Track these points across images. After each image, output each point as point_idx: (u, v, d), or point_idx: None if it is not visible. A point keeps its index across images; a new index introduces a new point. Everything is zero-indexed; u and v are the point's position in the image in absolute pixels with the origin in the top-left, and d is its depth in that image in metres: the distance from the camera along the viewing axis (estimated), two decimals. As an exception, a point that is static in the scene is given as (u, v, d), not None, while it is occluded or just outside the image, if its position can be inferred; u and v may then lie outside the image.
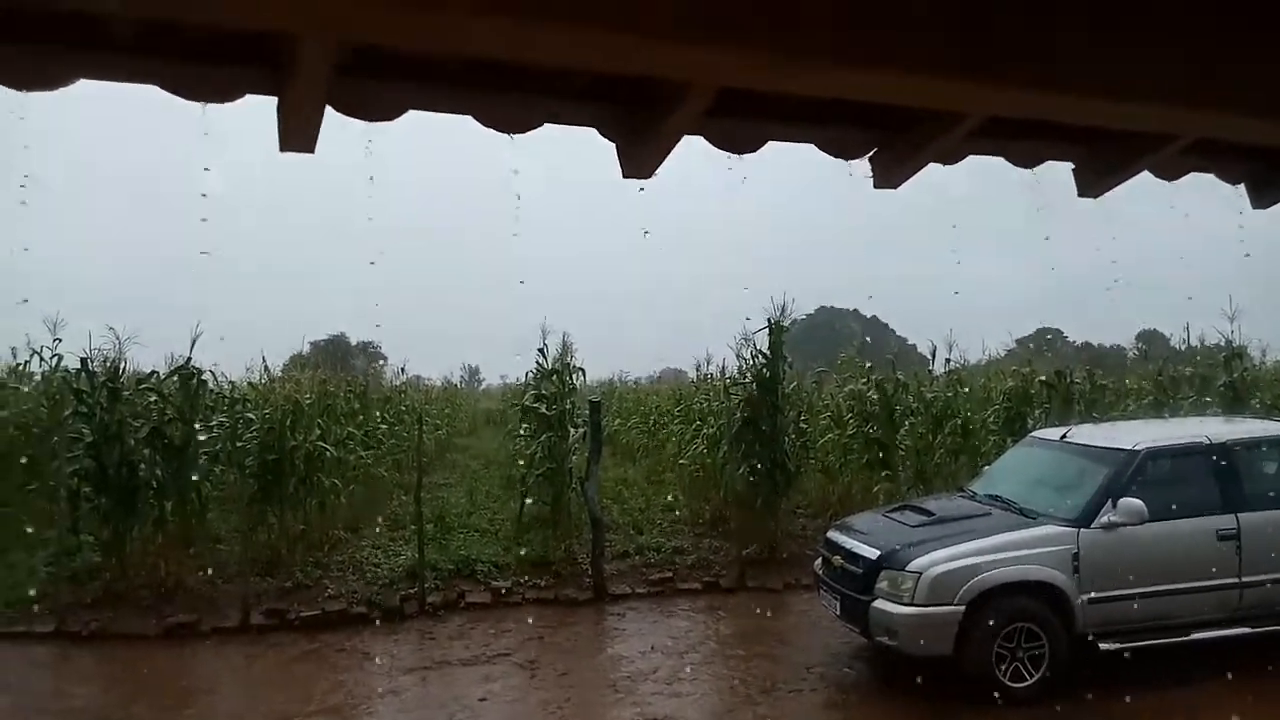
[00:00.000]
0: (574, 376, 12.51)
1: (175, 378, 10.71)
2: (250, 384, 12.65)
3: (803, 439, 12.81)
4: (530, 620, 9.16)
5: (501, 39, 1.34)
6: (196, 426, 10.56)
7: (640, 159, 1.82)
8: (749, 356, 12.03)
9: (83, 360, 10.02)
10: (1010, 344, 21.02)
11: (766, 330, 11.80)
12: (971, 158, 2.00)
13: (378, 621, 9.07)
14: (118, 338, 10.13)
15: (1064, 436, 8.20)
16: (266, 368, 13.17)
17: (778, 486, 11.54)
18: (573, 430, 11.69)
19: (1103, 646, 6.80)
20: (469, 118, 1.68)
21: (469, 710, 7.03)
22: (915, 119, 1.87)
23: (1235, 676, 6.77)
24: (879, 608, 6.88)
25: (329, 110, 1.58)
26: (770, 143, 1.88)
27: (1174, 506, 7.04)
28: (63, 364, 11.10)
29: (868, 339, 22.26)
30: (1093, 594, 6.79)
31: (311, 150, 1.67)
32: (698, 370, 18.40)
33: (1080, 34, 1.53)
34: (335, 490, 12.05)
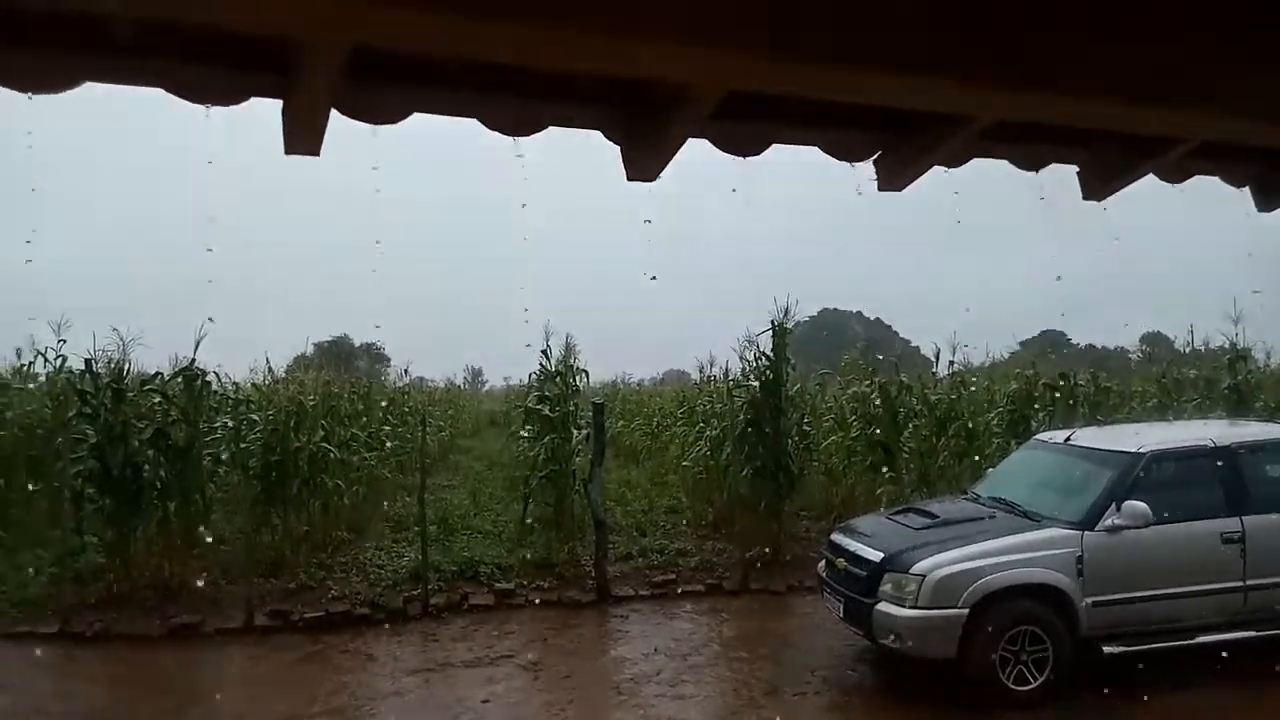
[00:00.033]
0: (577, 378, 12.50)
1: (179, 379, 10.72)
2: (254, 385, 12.66)
3: (806, 441, 12.80)
4: (533, 622, 9.16)
5: (506, 42, 1.35)
6: (200, 428, 10.58)
7: (645, 161, 1.82)
8: (753, 358, 12.02)
9: (87, 361, 10.04)
10: (1014, 346, 21.01)
11: (770, 332, 11.80)
12: (976, 160, 2.00)
13: (381, 623, 9.08)
14: (122, 339, 10.15)
15: (1068, 439, 8.19)
16: (270, 369, 13.21)
17: (781, 489, 11.53)
18: (576, 432, 11.69)
19: (1107, 650, 6.79)
20: (474, 120, 1.68)
21: (472, 712, 7.03)
22: (920, 122, 1.87)
23: (1240, 680, 6.76)
24: (882, 610, 6.87)
25: (334, 113, 1.59)
26: (775, 145, 1.88)
27: (1178, 510, 7.03)
28: (67, 365, 11.10)
29: (871, 341, 22.24)
30: (1097, 597, 6.77)
31: (317, 153, 1.67)
32: (701, 372, 18.39)
33: (1084, 36, 1.53)
34: (339, 492, 12.07)
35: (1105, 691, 6.77)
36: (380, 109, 1.63)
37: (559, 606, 9.63)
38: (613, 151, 1.87)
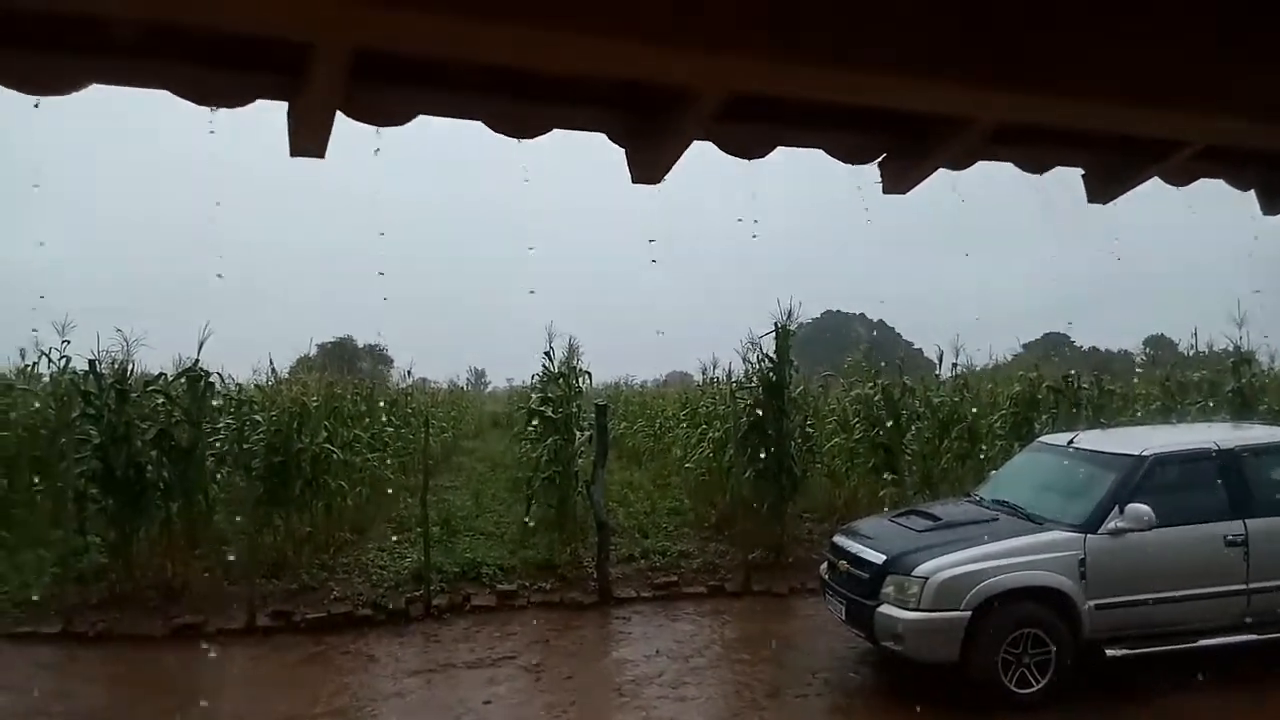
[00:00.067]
0: (580, 380, 12.52)
1: (183, 380, 10.75)
2: (257, 386, 12.68)
3: (809, 443, 12.81)
4: (535, 623, 9.16)
5: (508, 44, 1.35)
6: (204, 428, 10.59)
7: (649, 164, 1.82)
8: (755, 360, 12.03)
9: (91, 362, 10.07)
10: (1017, 349, 21.01)
11: (773, 334, 11.80)
12: (981, 163, 2.00)
13: (383, 624, 9.09)
14: (126, 339, 10.18)
15: (1071, 442, 8.18)
16: (274, 370, 13.24)
17: (784, 490, 11.53)
18: (579, 433, 11.70)
19: (1109, 653, 6.78)
20: (478, 123, 1.68)
21: (474, 713, 7.03)
22: (924, 124, 1.87)
23: (1242, 683, 6.76)
24: (885, 613, 6.87)
25: (339, 115, 1.59)
26: (779, 148, 1.88)
27: (1181, 512, 7.03)
28: (71, 365, 11.12)
29: (874, 343, 22.21)
30: (1099, 600, 6.77)
31: (322, 155, 1.67)
32: (704, 374, 18.41)
33: (1084, 36, 1.52)
34: (341, 492, 12.08)
35: (1108, 694, 6.76)
36: (385, 111, 1.63)
37: (561, 608, 9.63)
38: (616, 151, 1.87)
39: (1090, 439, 8.25)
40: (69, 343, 11.22)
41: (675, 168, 1.83)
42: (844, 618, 7.50)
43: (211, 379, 11.01)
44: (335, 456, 11.87)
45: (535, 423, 12.75)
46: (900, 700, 7.07)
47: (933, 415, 13.04)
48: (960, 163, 1.98)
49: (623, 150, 1.84)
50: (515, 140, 1.74)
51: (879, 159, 1.99)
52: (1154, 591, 6.83)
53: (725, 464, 13.19)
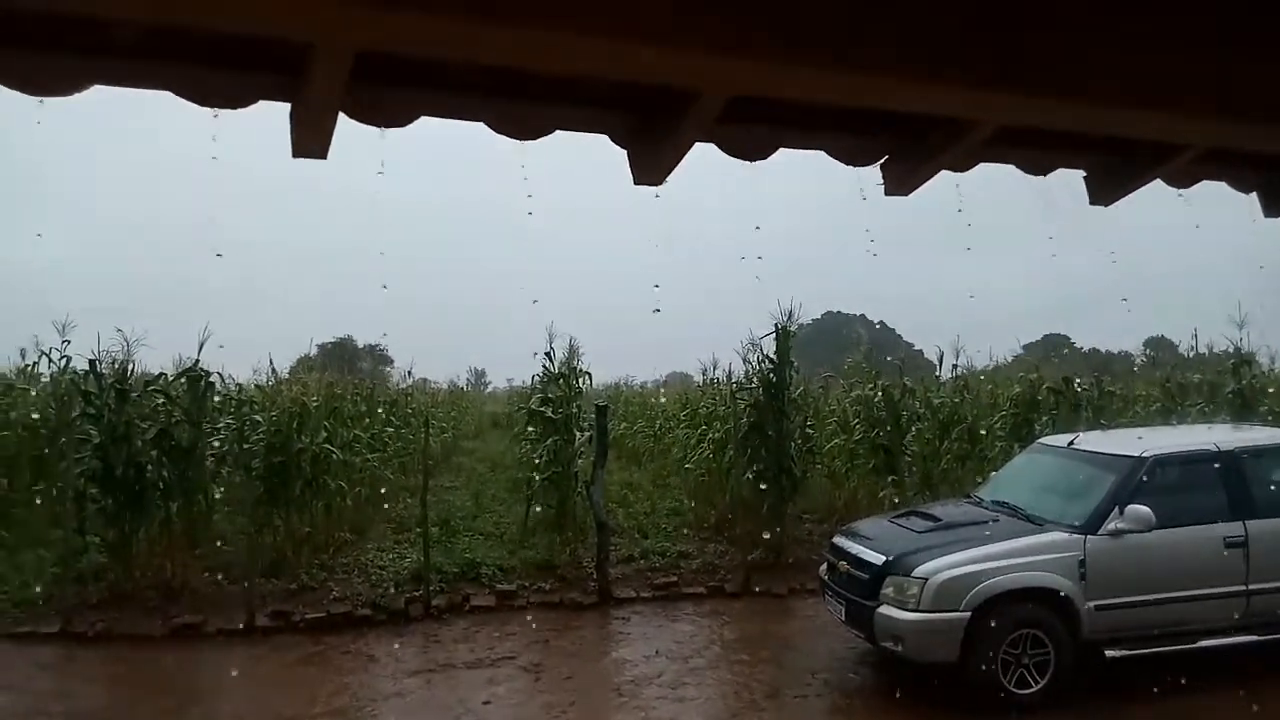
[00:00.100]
0: (580, 380, 12.53)
1: (183, 380, 10.75)
2: (257, 386, 12.68)
3: (809, 444, 12.80)
4: (535, 624, 9.16)
5: (510, 46, 1.35)
6: (204, 428, 10.59)
7: (651, 166, 1.82)
8: (755, 361, 12.03)
9: (91, 362, 10.07)
10: (1018, 350, 21.03)
11: (773, 335, 11.80)
12: (983, 165, 2.00)
13: (383, 624, 9.09)
14: (126, 340, 10.18)
15: (1071, 443, 8.18)
16: (274, 370, 13.24)
17: (783, 491, 11.53)
18: (579, 434, 11.70)
19: (1109, 654, 6.78)
20: (480, 124, 1.69)
21: (473, 714, 7.03)
22: (927, 127, 1.87)
23: (1242, 684, 6.75)
24: (884, 613, 6.87)
25: (341, 116, 1.59)
26: (781, 150, 1.88)
27: (1181, 514, 7.03)
28: (71, 365, 11.13)
29: (874, 343, 22.21)
30: (1099, 601, 6.77)
31: (324, 156, 1.67)
32: (704, 375, 18.41)
33: (1085, 38, 1.53)
34: (341, 493, 12.07)
35: (1107, 695, 6.76)
36: (387, 112, 1.63)
37: (561, 608, 9.63)
38: (618, 152, 1.87)
39: (1090, 440, 8.25)
40: (69, 342, 11.26)
41: (677, 169, 1.83)
42: (844, 618, 7.50)
43: (211, 379, 11.02)
44: (335, 457, 11.86)
45: (535, 425, 12.75)
46: (900, 701, 7.06)
47: (933, 416, 13.04)
48: (963, 165, 1.98)
49: (624, 152, 1.84)
50: (517, 141, 1.75)
51: (881, 161, 1.99)
52: (1154, 592, 6.83)
53: (725, 465, 13.19)
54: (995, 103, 1.58)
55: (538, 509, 11.98)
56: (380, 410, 17.17)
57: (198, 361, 10.70)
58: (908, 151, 1.96)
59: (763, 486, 11.36)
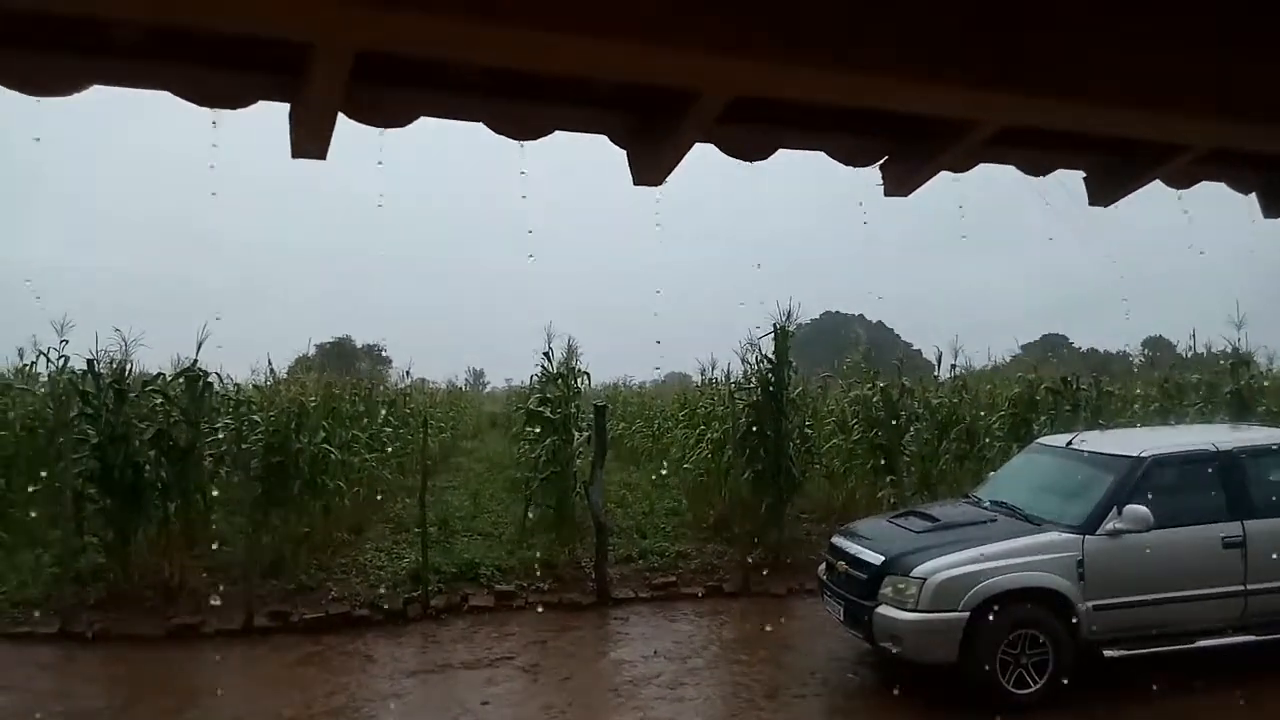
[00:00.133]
0: (579, 380, 12.52)
1: (181, 380, 10.74)
2: (256, 386, 12.67)
3: (807, 444, 12.79)
4: (533, 624, 9.16)
5: (509, 46, 1.35)
6: (202, 428, 10.58)
7: (651, 166, 1.82)
8: (754, 361, 12.02)
9: (89, 362, 10.05)
10: (1016, 350, 21.04)
11: (772, 335, 11.80)
12: (982, 165, 2.00)
13: (381, 624, 9.08)
14: (124, 340, 10.16)
15: (1069, 443, 8.19)
16: (272, 370, 13.23)
17: (782, 491, 11.53)
18: (577, 434, 11.69)
19: (1107, 653, 6.79)
20: (480, 124, 1.68)
21: (471, 714, 7.03)
22: (926, 127, 1.87)
23: (1240, 684, 6.76)
24: (883, 613, 6.87)
25: (340, 116, 1.59)
26: (781, 150, 1.88)
27: (1179, 514, 7.04)
28: (69, 365, 11.11)
29: (873, 343, 22.21)
30: (1097, 601, 6.77)
31: (323, 156, 1.67)
32: (702, 375, 18.40)
33: (1085, 38, 1.53)
34: (339, 493, 12.06)
35: (1106, 695, 6.76)
36: (387, 112, 1.63)
37: (559, 608, 9.62)
38: (617, 151, 1.87)
39: (1089, 440, 8.25)
40: (67, 342, 11.23)
41: (677, 170, 1.83)
42: (842, 618, 7.50)
43: (210, 379, 11.01)
44: (333, 457, 11.85)
45: (534, 425, 12.74)
46: (898, 701, 7.06)
47: (931, 416, 13.05)
48: (962, 165, 1.98)
49: (624, 152, 1.84)
50: (516, 141, 1.74)
51: (880, 161, 1.99)
52: (1152, 592, 6.83)
53: (724, 465, 13.18)
54: (995, 103, 1.58)
55: (536, 509, 11.98)
56: (379, 410, 17.15)
57: (196, 361, 10.70)
58: (907, 152, 1.96)
59: (761, 487, 11.37)
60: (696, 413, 16.73)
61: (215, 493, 10.81)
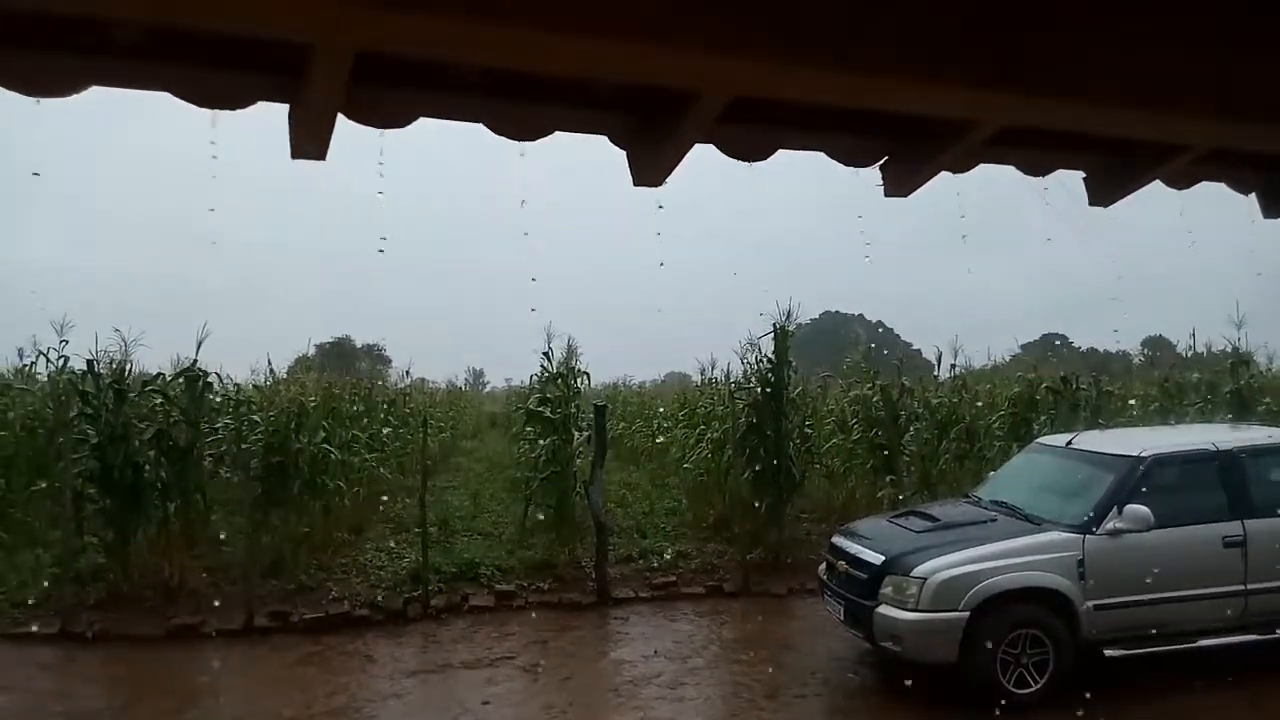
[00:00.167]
0: (579, 380, 12.51)
1: (181, 380, 10.74)
2: (255, 386, 12.67)
3: (807, 444, 12.79)
4: (534, 624, 9.16)
5: (509, 47, 1.35)
6: (202, 429, 10.58)
7: (651, 167, 1.82)
8: (754, 361, 12.02)
9: (89, 362, 10.05)
10: (1016, 349, 21.04)
11: (771, 335, 11.79)
12: (982, 166, 2.00)
13: (381, 624, 9.08)
14: (124, 340, 10.16)
15: (1069, 443, 8.18)
16: (272, 370, 13.23)
17: (782, 491, 11.52)
18: (577, 434, 11.69)
19: (1108, 653, 6.79)
20: (480, 125, 1.68)
21: (472, 714, 7.03)
22: (926, 127, 1.87)
23: (1241, 683, 6.76)
24: (883, 613, 6.87)
25: (340, 117, 1.59)
26: (781, 150, 1.88)
27: (1180, 513, 7.04)
28: (69, 365, 11.11)
29: (873, 344, 22.20)
30: (1098, 600, 6.77)
31: (323, 157, 1.67)
32: (702, 374, 18.40)
33: (1085, 38, 1.53)
34: (339, 493, 12.06)
35: (1107, 695, 6.76)
36: (386, 113, 1.63)
37: (559, 608, 9.62)
38: (617, 151, 1.87)
39: (1089, 440, 8.25)
40: (67, 342, 11.23)
41: (677, 170, 1.83)
42: (842, 618, 7.50)
43: (209, 379, 11.02)
44: (333, 457, 11.85)
45: (533, 425, 12.75)
46: (898, 701, 7.06)
47: (931, 416, 13.04)
48: (962, 166, 1.98)
49: (624, 153, 1.84)
50: (516, 142, 1.74)
51: (880, 161, 1.99)
52: (1152, 592, 6.82)
53: (724, 465, 13.18)
54: (995, 103, 1.58)
55: (536, 509, 11.98)
56: (378, 410, 17.15)
57: (195, 361, 10.70)
58: (907, 152, 1.95)
59: (761, 487, 11.37)
60: (696, 412, 16.72)
61: (215, 493, 10.81)
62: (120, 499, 9.66)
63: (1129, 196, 2.16)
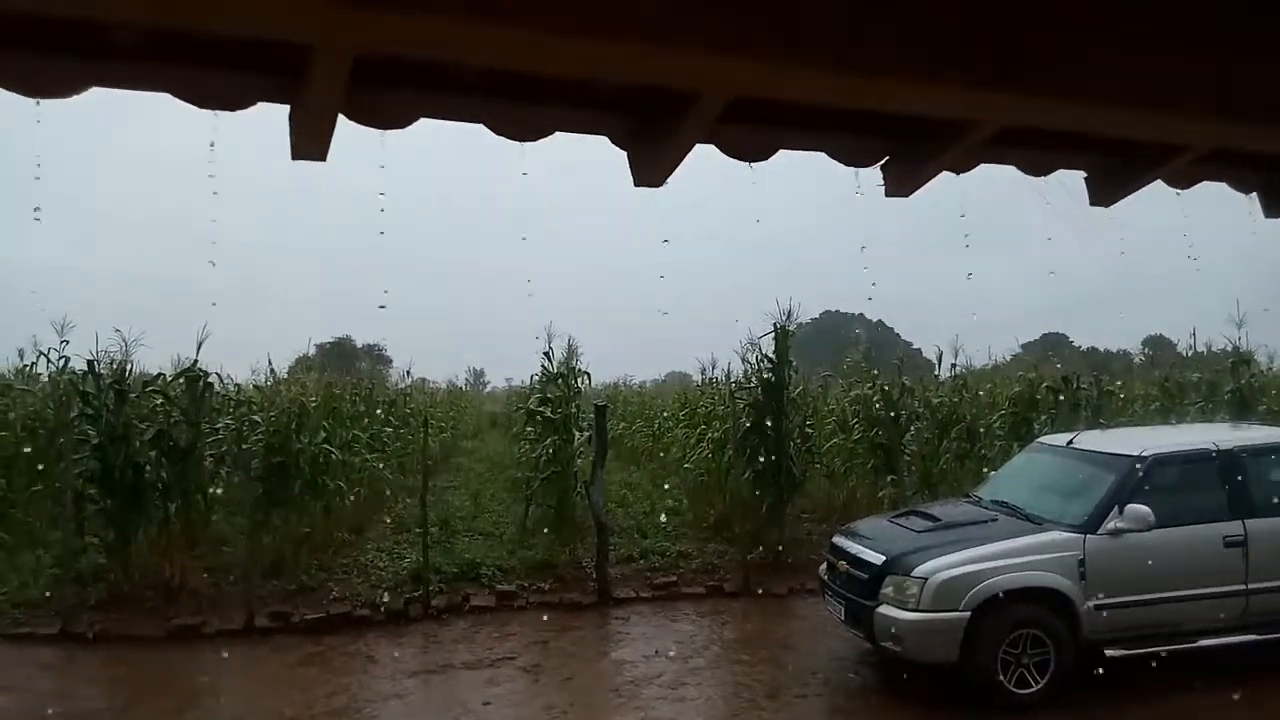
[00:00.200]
0: (579, 380, 12.52)
1: (181, 380, 10.75)
2: (256, 386, 12.67)
3: (808, 443, 12.80)
4: (534, 624, 9.16)
5: (511, 48, 1.35)
6: (202, 429, 10.58)
7: (652, 167, 1.82)
8: (754, 360, 12.02)
9: (89, 362, 10.05)
10: (1016, 349, 21.03)
11: (772, 334, 11.79)
12: (983, 166, 2.00)
13: (382, 624, 9.08)
14: (124, 340, 10.17)
15: (1070, 442, 8.18)
16: (272, 370, 13.23)
17: (783, 491, 11.52)
18: (578, 434, 11.70)
19: (1109, 653, 6.78)
20: (480, 126, 1.68)
21: (472, 714, 7.03)
22: (926, 127, 1.87)
23: (1241, 683, 6.75)
24: (884, 613, 6.87)
25: (340, 118, 1.59)
26: (781, 151, 1.87)
27: (1181, 513, 7.03)
28: (69, 366, 11.11)
29: (873, 343, 22.20)
30: (1099, 600, 6.76)
31: (323, 158, 1.67)
32: (703, 374, 18.40)
33: (1085, 38, 1.52)
34: (340, 493, 12.06)
35: (1107, 694, 6.76)
36: (387, 114, 1.63)
37: (560, 608, 9.62)
38: (618, 152, 1.87)
39: (1089, 439, 8.25)
40: (67, 343, 11.24)
41: (677, 171, 1.83)
42: (843, 618, 7.49)
43: (210, 379, 11.01)
44: (334, 457, 11.85)
45: (534, 425, 12.75)
46: (899, 701, 7.07)
47: (931, 415, 13.04)
48: (963, 166, 1.98)
49: (625, 153, 1.84)
50: (517, 143, 1.74)
51: (881, 162, 1.99)
52: (1153, 592, 6.83)
53: (724, 464, 13.18)
54: (995, 103, 1.57)
55: (537, 509, 11.98)
56: (379, 410, 17.16)
57: (196, 362, 10.71)
58: (908, 152, 1.95)
59: (761, 486, 11.37)
60: (697, 412, 16.72)
61: (216, 493, 10.81)
62: (121, 499, 9.66)
63: (1130, 196, 2.16)
